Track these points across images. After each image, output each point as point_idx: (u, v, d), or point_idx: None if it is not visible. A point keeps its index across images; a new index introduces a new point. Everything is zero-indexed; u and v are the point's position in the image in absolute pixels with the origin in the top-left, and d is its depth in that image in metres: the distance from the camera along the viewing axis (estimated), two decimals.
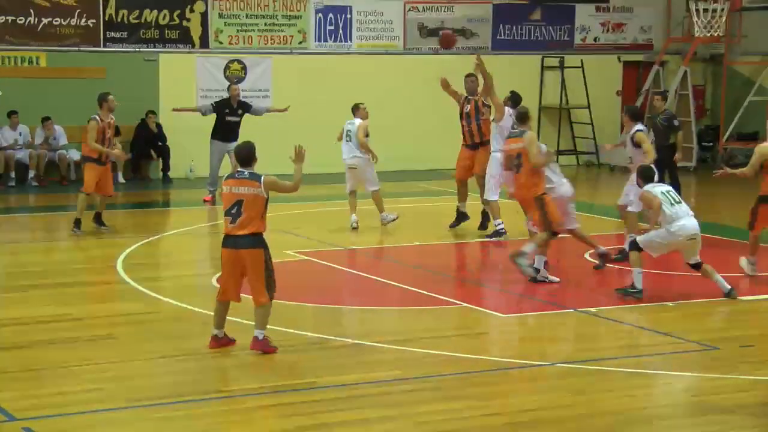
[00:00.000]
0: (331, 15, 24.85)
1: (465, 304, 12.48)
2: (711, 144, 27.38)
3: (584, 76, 26.66)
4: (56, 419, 8.49)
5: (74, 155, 22.37)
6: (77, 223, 16.51)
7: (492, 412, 8.78)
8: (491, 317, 12.16)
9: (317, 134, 20.43)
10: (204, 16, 23.83)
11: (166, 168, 23.46)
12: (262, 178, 10.16)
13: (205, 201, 20.07)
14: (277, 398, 9.06)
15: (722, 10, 25.94)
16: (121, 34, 23.21)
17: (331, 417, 8.59)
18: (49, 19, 22.63)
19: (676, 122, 17.41)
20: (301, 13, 24.61)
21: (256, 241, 10.14)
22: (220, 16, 23.96)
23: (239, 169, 10.25)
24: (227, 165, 19.06)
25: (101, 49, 23.05)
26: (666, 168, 16.43)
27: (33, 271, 14.20)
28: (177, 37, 23.67)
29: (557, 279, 13.50)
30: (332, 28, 24.89)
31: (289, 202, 17.17)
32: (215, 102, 20.47)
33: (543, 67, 26.81)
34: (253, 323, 10.26)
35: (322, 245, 15.98)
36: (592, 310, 12.13)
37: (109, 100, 16.54)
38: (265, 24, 24.34)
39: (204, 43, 23.91)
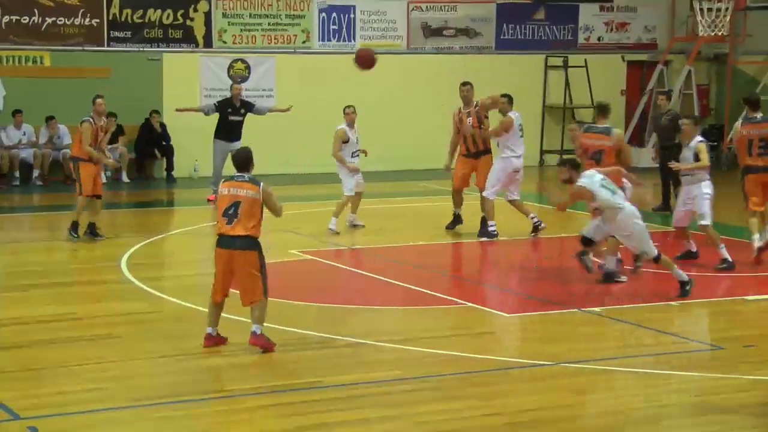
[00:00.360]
0: (334, 14, 24.85)
1: (468, 304, 12.46)
2: (715, 143, 27.30)
3: (588, 76, 26.62)
4: (56, 419, 8.49)
5: None
6: (74, 226, 16.09)
7: (492, 412, 8.77)
8: (493, 316, 12.15)
9: (320, 133, 20.36)
10: (207, 15, 23.84)
11: (170, 167, 23.47)
12: (262, 185, 10.26)
13: (209, 200, 20.03)
14: (277, 398, 9.05)
15: (726, 9, 25.86)
16: (125, 34, 23.23)
17: (331, 417, 8.59)
18: (53, 18, 22.66)
19: (680, 122, 17.34)
20: (305, 12, 24.61)
21: (251, 243, 10.18)
22: (224, 15, 23.96)
23: (239, 173, 10.31)
24: (231, 164, 18.99)
25: (105, 48, 23.08)
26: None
27: (34, 271, 14.21)
28: (181, 36, 23.68)
29: (625, 278, 13.27)
30: (336, 27, 24.88)
31: (289, 202, 17.14)
32: (218, 101, 20.44)
33: (546, 67, 26.78)
34: (249, 320, 10.27)
35: (323, 245, 15.98)
36: (597, 309, 12.13)
37: (97, 103, 16.07)
38: (269, 23, 24.34)
39: (208, 42, 23.92)
